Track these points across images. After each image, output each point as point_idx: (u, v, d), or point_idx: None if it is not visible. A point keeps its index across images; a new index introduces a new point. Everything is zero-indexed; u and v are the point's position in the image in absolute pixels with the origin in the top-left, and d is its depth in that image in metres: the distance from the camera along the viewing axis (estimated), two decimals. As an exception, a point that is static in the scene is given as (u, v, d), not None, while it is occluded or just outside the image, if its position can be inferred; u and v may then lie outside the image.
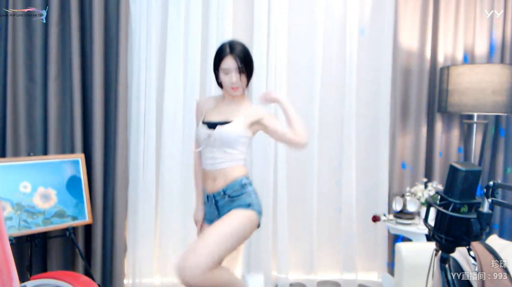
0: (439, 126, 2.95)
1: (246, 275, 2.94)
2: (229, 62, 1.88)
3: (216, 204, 1.94)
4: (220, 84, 1.99)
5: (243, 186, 1.91)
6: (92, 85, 2.67)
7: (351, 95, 2.91)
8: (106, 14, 2.70)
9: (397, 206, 2.73)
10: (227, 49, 1.89)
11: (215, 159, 1.92)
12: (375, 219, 2.74)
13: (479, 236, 1.17)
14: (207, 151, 1.95)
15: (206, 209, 2.04)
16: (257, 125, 1.95)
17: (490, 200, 1.19)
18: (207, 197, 1.99)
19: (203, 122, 1.97)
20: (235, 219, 1.84)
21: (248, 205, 1.88)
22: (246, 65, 1.90)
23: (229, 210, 1.89)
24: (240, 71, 1.88)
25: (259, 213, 1.92)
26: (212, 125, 1.92)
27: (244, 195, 1.90)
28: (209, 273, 1.71)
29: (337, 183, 3.00)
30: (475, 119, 2.79)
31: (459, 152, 2.99)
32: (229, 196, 1.90)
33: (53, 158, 2.50)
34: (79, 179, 2.54)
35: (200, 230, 2.11)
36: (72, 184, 2.51)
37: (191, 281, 1.69)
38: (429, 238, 1.72)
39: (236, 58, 1.87)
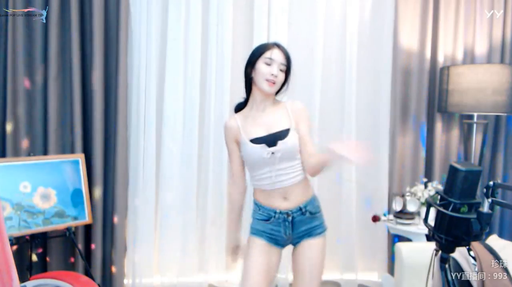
0: (439, 126, 2.95)
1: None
2: (276, 54, 1.73)
3: (292, 221, 1.76)
4: (248, 86, 1.81)
5: (319, 202, 1.85)
6: (92, 85, 2.67)
7: (351, 95, 2.91)
8: (106, 14, 2.70)
9: (397, 206, 2.72)
10: (274, 45, 1.77)
11: (285, 176, 1.73)
12: (375, 219, 2.74)
13: (479, 236, 1.17)
14: (270, 171, 1.73)
15: (267, 227, 1.78)
16: (298, 123, 1.77)
17: (490, 200, 1.19)
18: (275, 214, 1.76)
19: (252, 141, 1.73)
20: (324, 252, 1.85)
21: (325, 228, 1.86)
22: (289, 67, 1.78)
23: (308, 229, 1.78)
24: (282, 69, 1.74)
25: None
26: (269, 142, 1.71)
27: (320, 212, 1.84)
28: None
29: (337, 183, 2.99)
30: (475, 119, 2.79)
31: (459, 156, 2.99)
32: (310, 213, 1.78)
33: (53, 158, 2.50)
34: (79, 190, 2.53)
35: (240, 252, 1.90)
36: (76, 194, 2.51)
37: None
38: (429, 238, 1.72)
39: (284, 53, 1.76)
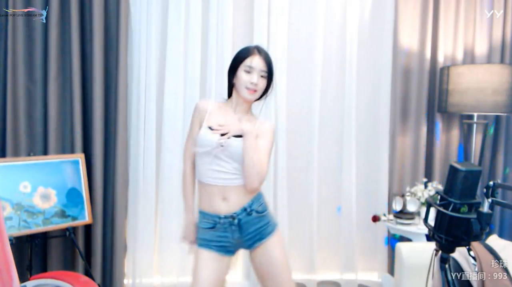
0: (439, 126, 2.95)
1: (247, 275, 2.94)
2: (257, 61, 1.73)
3: (239, 224, 1.71)
4: (230, 89, 1.83)
5: (265, 200, 1.81)
6: (92, 85, 2.67)
7: (351, 95, 2.91)
8: (106, 14, 2.70)
9: (397, 206, 2.72)
10: (255, 50, 1.76)
11: (225, 174, 1.71)
12: (375, 219, 2.74)
13: (479, 236, 1.17)
14: (212, 162, 1.72)
15: (213, 235, 1.73)
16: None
17: (490, 200, 1.19)
18: (219, 219, 1.72)
19: (210, 128, 1.73)
20: (283, 246, 1.80)
21: (275, 224, 1.80)
22: (270, 74, 1.77)
23: (257, 229, 1.74)
24: (263, 75, 1.74)
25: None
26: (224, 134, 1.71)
27: (268, 210, 1.80)
28: None
29: (337, 183, 2.99)
30: (475, 119, 2.79)
31: (459, 153, 2.99)
32: (256, 212, 1.73)
33: (53, 158, 2.50)
34: (78, 191, 2.53)
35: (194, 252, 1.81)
36: (72, 194, 2.51)
37: None
38: (429, 238, 1.72)
39: (264, 60, 1.75)
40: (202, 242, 1.74)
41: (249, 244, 1.76)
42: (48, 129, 2.63)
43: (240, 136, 1.70)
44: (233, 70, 1.79)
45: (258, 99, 1.82)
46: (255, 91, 1.74)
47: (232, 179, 1.72)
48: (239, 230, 1.72)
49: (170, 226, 2.87)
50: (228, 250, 1.75)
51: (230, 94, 1.86)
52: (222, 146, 1.69)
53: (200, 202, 1.80)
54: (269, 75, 1.77)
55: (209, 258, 1.72)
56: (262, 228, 1.75)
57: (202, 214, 1.77)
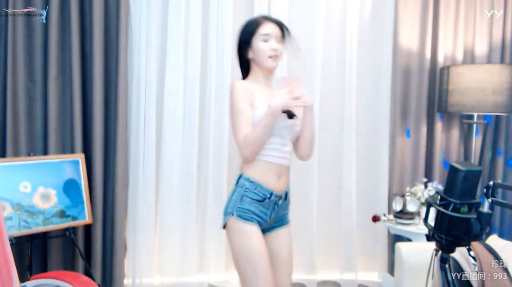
0: (439, 126, 2.95)
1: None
2: (271, 27, 1.71)
3: (276, 205, 1.72)
4: (245, 67, 1.79)
5: None
6: (92, 85, 2.67)
7: (351, 95, 2.91)
8: (106, 14, 2.70)
9: (397, 206, 2.72)
10: (264, 18, 1.74)
11: (285, 154, 1.72)
12: (375, 219, 2.74)
13: (479, 236, 1.17)
14: (280, 142, 1.70)
15: (258, 209, 1.68)
16: None
17: (490, 200, 1.19)
18: (270, 195, 1.69)
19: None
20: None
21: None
22: (283, 36, 1.75)
23: (283, 215, 1.79)
24: (280, 41, 1.72)
25: None
26: (287, 114, 1.67)
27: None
28: None
29: (337, 183, 2.99)
30: (475, 119, 2.79)
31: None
32: (288, 200, 1.80)
33: (53, 158, 2.50)
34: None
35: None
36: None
37: None
38: (429, 238, 1.72)
39: (277, 25, 1.73)
40: (246, 213, 1.65)
41: (271, 227, 1.76)
42: (48, 129, 2.63)
43: (291, 115, 1.69)
44: (245, 45, 1.73)
45: None
46: (277, 56, 1.72)
47: (287, 158, 1.75)
48: (277, 210, 1.74)
49: (170, 226, 2.87)
50: (262, 226, 1.70)
51: (245, 73, 1.82)
52: (294, 125, 1.71)
53: (254, 173, 1.70)
54: (285, 36, 1.76)
55: (257, 231, 1.65)
56: (285, 215, 1.82)
57: (255, 184, 1.68)
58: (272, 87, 1.80)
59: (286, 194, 1.77)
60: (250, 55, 1.74)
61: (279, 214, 1.76)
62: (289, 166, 1.77)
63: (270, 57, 1.70)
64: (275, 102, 1.59)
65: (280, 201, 1.73)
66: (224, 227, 1.72)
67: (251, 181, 1.69)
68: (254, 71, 1.78)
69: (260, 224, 1.68)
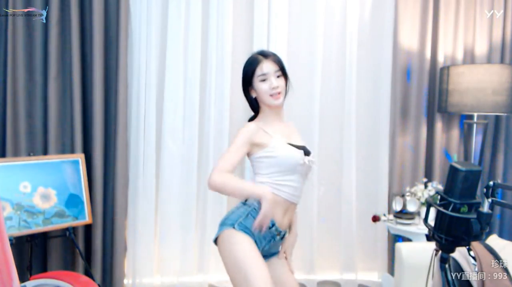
0: (439, 126, 2.95)
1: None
2: (267, 66, 1.69)
3: (273, 239, 1.70)
4: (253, 105, 1.78)
5: None
6: (92, 85, 2.67)
7: (351, 95, 2.91)
8: (106, 14, 2.70)
9: (397, 206, 2.72)
10: (260, 56, 1.71)
11: (301, 192, 1.72)
12: (375, 219, 2.74)
13: (479, 236, 1.17)
14: (298, 180, 1.69)
15: (257, 236, 1.62)
16: None
17: (490, 200, 1.19)
18: (272, 226, 1.66)
19: (291, 145, 1.70)
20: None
21: None
22: (283, 69, 1.73)
23: (274, 253, 1.77)
24: (279, 75, 1.71)
25: None
26: (304, 151, 1.70)
27: None
28: None
29: (337, 183, 2.99)
30: (475, 119, 2.79)
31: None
32: (283, 239, 1.77)
33: (53, 158, 2.50)
34: (79, 197, 2.53)
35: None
36: (76, 194, 2.51)
37: None
38: (429, 238, 1.72)
39: (274, 61, 1.71)
40: (247, 229, 1.61)
41: (269, 256, 1.75)
42: (48, 129, 2.63)
43: (308, 152, 1.72)
44: (248, 86, 1.74)
45: None
46: (279, 93, 1.70)
47: (299, 197, 1.72)
48: (271, 246, 1.72)
49: (170, 226, 2.88)
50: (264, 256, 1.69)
51: (255, 110, 1.80)
52: (307, 162, 1.69)
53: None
54: (284, 72, 1.74)
55: (253, 244, 1.61)
56: (276, 252, 1.78)
57: (272, 223, 1.66)
58: (284, 121, 1.81)
59: (285, 234, 1.75)
60: (254, 94, 1.74)
61: (270, 251, 1.73)
62: (296, 204, 1.74)
63: (271, 95, 1.69)
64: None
65: (278, 237, 1.71)
66: (216, 240, 1.67)
67: (257, 209, 1.63)
68: (262, 109, 1.77)
69: (265, 256, 1.68)
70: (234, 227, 1.61)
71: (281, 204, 1.67)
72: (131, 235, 2.84)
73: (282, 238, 1.74)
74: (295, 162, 1.66)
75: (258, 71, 1.69)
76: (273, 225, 1.65)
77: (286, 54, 2.87)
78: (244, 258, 1.55)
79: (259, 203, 1.58)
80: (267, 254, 1.72)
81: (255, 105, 1.78)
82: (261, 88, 1.69)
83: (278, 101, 1.70)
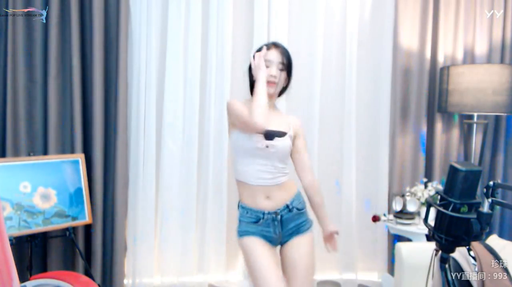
0: (439, 126, 2.95)
1: (247, 275, 2.94)
2: (274, 54, 1.77)
3: (281, 219, 1.76)
4: (251, 86, 1.85)
5: (303, 197, 1.86)
6: (92, 85, 2.67)
7: (351, 95, 2.91)
8: (106, 14, 2.70)
9: (397, 206, 2.73)
10: (271, 45, 1.81)
11: (273, 174, 1.76)
12: (375, 219, 2.74)
13: (479, 236, 1.17)
14: (256, 164, 1.74)
15: (257, 229, 1.76)
16: (295, 138, 1.85)
17: (490, 200, 1.19)
18: (263, 215, 1.75)
19: None
20: (313, 254, 1.82)
21: (311, 222, 1.86)
22: (289, 65, 1.81)
23: (296, 225, 1.80)
24: (282, 68, 1.78)
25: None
26: (266, 136, 1.72)
27: (306, 208, 1.86)
28: None
29: (337, 183, 2.99)
30: (475, 119, 2.79)
31: (459, 157, 2.99)
32: (297, 209, 1.80)
33: (53, 158, 2.50)
34: (79, 197, 2.53)
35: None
36: (76, 194, 2.52)
37: None
38: (429, 238, 1.72)
39: (281, 53, 1.78)
40: (246, 233, 1.76)
41: (286, 240, 1.80)
42: (48, 129, 2.63)
43: (281, 134, 1.75)
44: (250, 71, 1.81)
45: (280, 94, 1.88)
46: (274, 83, 1.76)
47: (274, 178, 1.76)
48: (281, 225, 1.77)
49: (170, 226, 2.87)
50: (271, 240, 1.78)
51: (252, 93, 1.86)
52: (267, 147, 1.72)
53: (242, 197, 1.82)
54: (288, 69, 1.80)
55: (260, 243, 1.73)
56: (301, 224, 1.81)
57: (245, 209, 1.79)
58: (275, 110, 1.87)
59: (287, 207, 1.78)
60: (255, 77, 1.78)
61: (289, 227, 1.79)
62: (279, 184, 1.78)
63: (268, 82, 1.74)
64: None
65: (279, 217, 1.76)
66: None
67: (243, 207, 1.80)
68: None
69: (266, 237, 1.76)
70: (237, 237, 1.80)
71: (250, 188, 1.76)
72: (131, 235, 2.84)
73: (290, 211, 1.78)
74: (250, 146, 1.71)
75: (265, 56, 1.76)
76: (263, 214, 1.74)
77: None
78: (253, 267, 1.70)
79: (242, 206, 1.80)
80: (291, 233, 1.78)
81: (251, 88, 1.86)
82: None
83: (270, 89, 1.75)
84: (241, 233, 1.78)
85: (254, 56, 1.80)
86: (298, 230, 1.80)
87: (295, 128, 1.86)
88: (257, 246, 1.72)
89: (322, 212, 1.87)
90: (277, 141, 1.74)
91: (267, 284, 1.63)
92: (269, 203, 1.76)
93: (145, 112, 2.78)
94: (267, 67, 1.75)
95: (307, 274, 1.77)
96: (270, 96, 1.79)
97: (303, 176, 1.86)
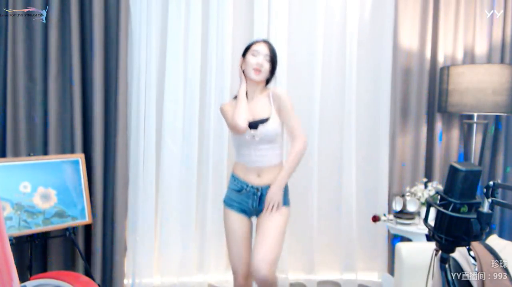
0: (439, 126, 2.95)
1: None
2: (261, 47, 2.06)
3: (260, 196, 2.05)
4: (242, 73, 2.11)
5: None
6: (92, 85, 2.67)
7: (351, 95, 2.91)
8: (106, 14, 2.70)
9: (397, 206, 2.72)
10: (261, 40, 2.12)
11: (262, 157, 2.03)
12: (375, 219, 2.74)
13: (479, 236, 1.17)
14: (250, 150, 2.03)
15: (238, 197, 2.08)
16: (279, 110, 2.05)
17: (490, 200, 1.19)
18: (247, 187, 2.05)
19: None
20: (283, 219, 2.05)
21: (287, 201, 2.11)
22: (274, 58, 2.08)
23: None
24: (268, 59, 2.05)
25: (289, 206, 2.13)
26: (252, 126, 2.01)
27: (286, 190, 2.10)
28: (275, 267, 1.98)
29: (337, 183, 2.99)
30: (475, 119, 2.79)
31: (459, 157, 2.99)
32: None
33: (53, 158, 2.50)
34: (79, 197, 2.54)
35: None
36: (76, 194, 2.52)
37: (268, 276, 1.91)
38: (429, 238, 1.72)
39: (268, 47, 2.07)
40: (228, 201, 2.12)
41: (260, 211, 2.07)
42: (48, 129, 2.63)
43: (263, 121, 2.01)
44: (242, 58, 2.10)
45: (267, 83, 2.14)
46: (260, 71, 2.04)
47: (267, 160, 2.04)
48: (259, 200, 2.05)
49: (170, 226, 2.87)
50: (246, 212, 2.09)
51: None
52: (253, 136, 2.00)
53: (236, 170, 2.12)
54: (273, 62, 2.08)
55: (233, 214, 2.09)
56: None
57: (234, 177, 2.11)
58: (256, 98, 2.11)
59: (268, 187, 2.04)
60: (243, 67, 2.10)
61: (260, 208, 2.07)
62: (272, 166, 2.06)
63: (254, 69, 2.04)
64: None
65: (259, 193, 2.04)
66: None
67: (233, 176, 2.13)
68: (244, 84, 2.11)
69: (244, 211, 2.09)
70: (223, 202, 2.14)
71: (248, 168, 2.06)
72: (131, 235, 2.84)
73: (263, 194, 2.05)
74: (242, 139, 2.03)
75: (254, 47, 2.07)
76: (247, 185, 2.05)
77: (286, 54, 2.87)
78: (226, 235, 2.13)
79: (232, 175, 2.13)
80: (259, 210, 2.07)
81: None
82: (250, 60, 2.05)
83: (256, 76, 2.04)
84: (225, 201, 2.13)
85: (244, 53, 2.10)
86: (261, 211, 2.07)
87: (277, 103, 2.05)
88: (233, 220, 2.08)
89: (279, 174, 2.05)
90: (261, 128, 2.00)
91: (232, 253, 2.11)
92: (256, 179, 2.05)
93: (145, 112, 2.79)
94: (254, 56, 2.04)
95: (273, 240, 1.97)
96: (258, 83, 2.09)
97: (292, 145, 2.08)
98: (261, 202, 2.05)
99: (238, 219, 2.08)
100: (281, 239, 2.02)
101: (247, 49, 2.09)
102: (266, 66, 2.05)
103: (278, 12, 2.83)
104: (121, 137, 2.69)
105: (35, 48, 2.63)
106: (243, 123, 1.99)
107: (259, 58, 2.03)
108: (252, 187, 2.05)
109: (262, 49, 2.05)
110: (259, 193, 2.05)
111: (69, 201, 2.48)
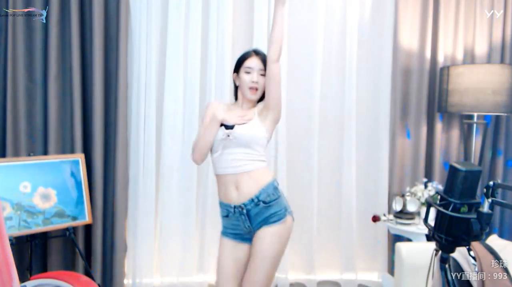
0: (439, 126, 2.95)
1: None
2: (254, 62, 1.91)
3: (248, 214, 1.82)
4: (236, 91, 2.00)
5: (276, 188, 1.86)
6: (92, 85, 2.67)
7: (351, 95, 2.91)
8: (106, 14, 2.70)
9: (397, 206, 2.72)
10: (253, 52, 1.95)
11: (237, 161, 1.83)
12: (375, 219, 2.74)
13: (479, 236, 1.17)
14: (224, 154, 1.85)
15: (229, 223, 1.88)
16: (265, 110, 1.90)
17: (490, 200, 1.19)
18: (231, 209, 1.85)
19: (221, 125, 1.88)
20: (277, 247, 1.82)
21: (286, 210, 1.85)
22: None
23: (264, 219, 1.81)
24: (262, 73, 1.90)
25: (291, 213, 1.89)
26: (229, 127, 1.85)
27: (279, 199, 1.85)
28: None
29: (337, 183, 2.99)
30: (475, 119, 2.79)
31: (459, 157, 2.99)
32: (263, 202, 1.81)
33: (53, 158, 2.50)
34: (79, 197, 2.53)
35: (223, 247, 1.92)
36: (72, 200, 2.51)
37: None
38: (429, 238, 1.72)
39: (261, 58, 1.92)
40: (223, 230, 1.93)
41: (257, 227, 1.84)
42: (48, 129, 2.63)
43: (228, 126, 1.86)
44: (236, 74, 1.96)
45: (260, 100, 1.96)
46: (256, 89, 1.90)
47: (242, 165, 1.84)
48: (249, 219, 1.83)
49: (170, 226, 2.87)
50: (243, 237, 1.87)
51: (236, 98, 2.01)
52: (228, 136, 1.83)
53: (219, 193, 1.93)
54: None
55: (226, 244, 1.89)
56: (270, 216, 1.83)
57: (220, 203, 1.92)
58: (245, 107, 1.96)
59: (253, 201, 1.81)
60: (237, 82, 1.97)
61: (258, 220, 1.82)
62: (248, 172, 1.83)
63: (250, 88, 1.90)
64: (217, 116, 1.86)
65: (244, 211, 1.82)
66: None
67: (219, 203, 1.93)
68: (239, 97, 1.98)
69: (239, 235, 1.87)
70: (220, 233, 1.94)
71: (222, 179, 1.87)
72: (131, 235, 2.84)
73: (257, 205, 1.81)
74: (217, 139, 1.85)
75: (246, 64, 1.91)
76: (231, 208, 1.84)
77: (286, 54, 2.87)
78: (216, 269, 1.93)
79: (219, 202, 1.92)
80: (260, 224, 1.82)
81: (236, 94, 2.02)
82: (244, 78, 1.91)
83: (252, 95, 1.91)
84: (221, 232, 1.94)
85: (237, 65, 1.95)
86: (266, 221, 1.82)
87: (259, 108, 1.93)
88: (224, 246, 1.90)
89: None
90: (237, 128, 1.83)
91: (218, 279, 1.91)
92: (236, 195, 1.83)
93: (145, 112, 2.78)
94: (248, 73, 1.90)
95: (262, 265, 1.80)
96: (251, 101, 1.94)
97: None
98: (253, 220, 1.82)
99: (232, 248, 1.87)
100: (276, 264, 1.84)
101: (239, 65, 1.94)
102: (262, 81, 1.90)
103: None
104: (121, 137, 2.69)
105: (35, 48, 2.63)
106: (198, 158, 1.90)
107: (253, 76, 1.89)
108: (235, 207, 1.83)
109: (255, 64, 1.90)
110: (244, 212, 1.82)
111: (69, 201, 2.48)
